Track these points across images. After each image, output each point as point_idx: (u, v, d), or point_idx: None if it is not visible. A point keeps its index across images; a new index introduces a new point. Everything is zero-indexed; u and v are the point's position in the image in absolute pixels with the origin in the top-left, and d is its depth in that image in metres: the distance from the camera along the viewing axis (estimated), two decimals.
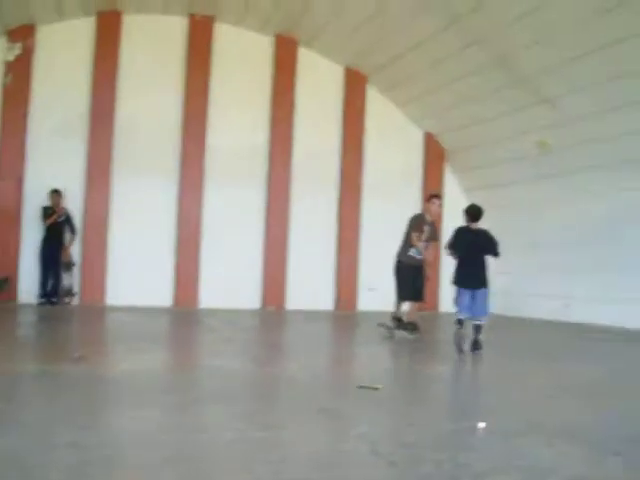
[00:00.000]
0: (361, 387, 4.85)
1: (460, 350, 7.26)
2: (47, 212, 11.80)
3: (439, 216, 8.89)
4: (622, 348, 8.94)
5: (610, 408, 4.68)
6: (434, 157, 14.22)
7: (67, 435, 3.44)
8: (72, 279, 12.15)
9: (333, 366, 6.70)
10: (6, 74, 11.90)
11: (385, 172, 13.65)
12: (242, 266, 12.96)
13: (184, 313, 11.65)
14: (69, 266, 12.06)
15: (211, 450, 3.31)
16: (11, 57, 11.93)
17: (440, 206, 8.99)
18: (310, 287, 13.20)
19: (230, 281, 12.71)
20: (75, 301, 12.17)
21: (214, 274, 12.72)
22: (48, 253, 11.82)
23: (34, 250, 11.89)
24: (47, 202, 11.86)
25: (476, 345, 7.25)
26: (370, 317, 10.17)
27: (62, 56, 12.16)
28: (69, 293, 12.07)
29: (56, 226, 11.86)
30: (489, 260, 7.64)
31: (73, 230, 12.08)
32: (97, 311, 11.35)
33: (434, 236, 8.90)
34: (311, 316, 11.74)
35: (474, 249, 7.53)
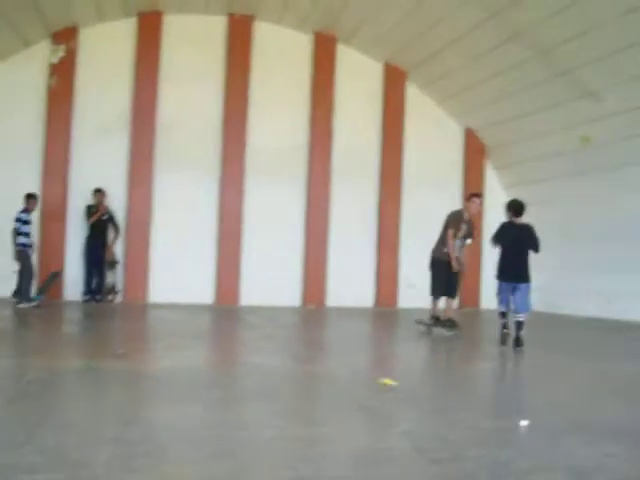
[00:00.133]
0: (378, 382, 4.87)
1: (503, 343, 7.44)
2: (90, 211, 12.03)
3: (479, 215, 8.89)
4: None
5: None
6: (474, 153, 14.07)
7: (112, 430, 3.50)
8: (115, 277, 12.36)
9: (373, 363, 6.67)
10: (51, 76, 12.17)
11: (425, 169, 13.57)
12: (282, 264, 13.02)
13: (225, 310, 11.75)
14: (113, 264, 12.27)
15: (252, 447, 3.33)
16: (55, 59, 12.20)
17: (480, 205, 8.98)
18: (350, 284, 13.19)
19: (270, 279, 12.78)
20: (118, 298, 12.38)
21: (255, 272, 12.81)
22: (92, 251, 12.06)
23: (79, 248, 12.13)
24: (91, 201, 12.08)
25: (518, 342, 7.27)
26: (410, 314, 10.11)
27: (104, 57, 12.38)
28: (112, 291, 12.28)
29: (100, 225, 12.08)
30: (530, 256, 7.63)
31: (116, 228, 12.29)
32: (139, 308, 11.53)
33: (471, 234, 8.92)
34: (351, 313, 11.73)
35: (517, 244, 7.56)
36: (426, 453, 3.23)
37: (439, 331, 8.70)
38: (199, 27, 12.83)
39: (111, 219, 12.22)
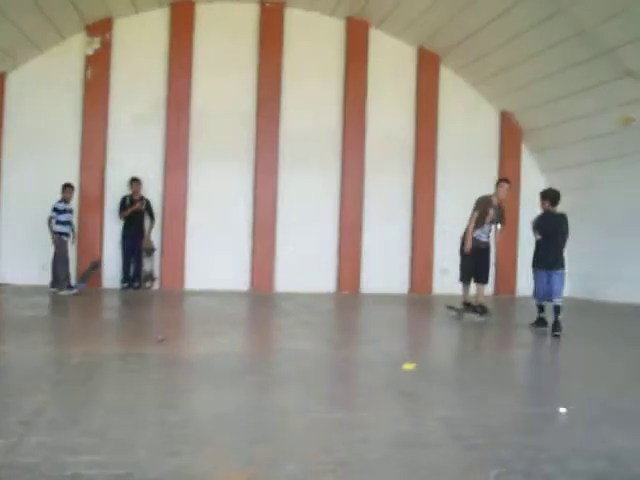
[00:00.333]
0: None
1: (539, 327, 7.67)
2: (125, 203, 12.20)
3: (509, 200, 8.98)
4: None
5: None
6: (510, 137, 13.87)
7: (153, 414, 3.58)
8: (153, 264, 12.53)
9: (409, 349, 6.66)
10: (86, 68, 12.32)
11: (460, 153, 13.43)
12: (317, 250, 13.05)
13: (260, 297, 11.84)
14: (150, 252, 12.44)
15: (291, 431, 3.36)
16: (91, 51, 12.35)
17: (508, 189, 8.97)
18: (384, 270, 13.17)
19: (305, 265, 12.82)
20: (156, 286, 12.56)
21: (289, 258, 12.86)
22: (129, 240, 12.24)
23: (116, 237, 12.33)
24: (127, 190, 12.24)
25: (557, 326, 7.31)
26: (444, 300, 10.06)
27: (138, 48, 12.48)
28: (150, 278, 12.46)
29: (136, 214, 12.24)
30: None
31: (152, 217, 12.44)
32: (176, 295, 11.67)
33: (501, 219, 8.94)
34: (385, 300, 11.72)
35: (555, 233, 7.74)
36: (463, 439, 3.23)
37: (470, 317, 8.72)
38: (231, 15, 12.84)
39: (148, 208, 12.37)
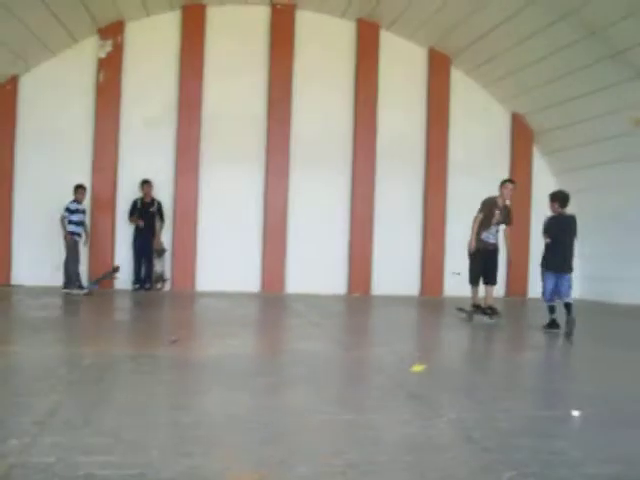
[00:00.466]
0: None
1: (552, 329, 7.66)
2: (135, 206, 12.26)
3: (509, 199, 9.04)
4: None
5: None
6: (522, 138, 13.82)
7: (165, 415, 3.59)
8: (164, 265, 12.58)
9: (419, 351, 6.65)
10: (99, 71, 12.40)
11: (471, 154, 13.40)
12: (328, 251, 13.05)
13: (271, 298, 11.85)
14: (160, 253, 12.49)
15: (302, 433, 3.37)
16: (103, 54, 12.43)
17: (512, 190, 8.98)
18: (395, 272, 13.15)
19: (316, 267, 12.83)
20: (167, 287, 12.61)
21: (300, 260, 12.88)
22: (140, 241, 12.30)
23: (128, 238, 12.39)
24: (139, 192, 12.30)
25: (571, 323, 7.43)
26: (455, 303, 10.04)
27: (150, 50, 12.57)
28: (161, 279, 12.52)
29: (147, 215, 12.29)
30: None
31: (162, 218, 12.48)
32: (188, 296, 11.71)
33: (507, 220, 8.96)
34: (396, 302, 11.71)
35: (566, 235, 7.82)
36: (476, 441, 3.22)
37: (480, 319, 8.71)
38: (242, 18, 12.89)
39: (159, 210, 12.42)
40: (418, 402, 4.13)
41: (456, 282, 12.69)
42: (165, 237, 12.61)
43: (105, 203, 12.38)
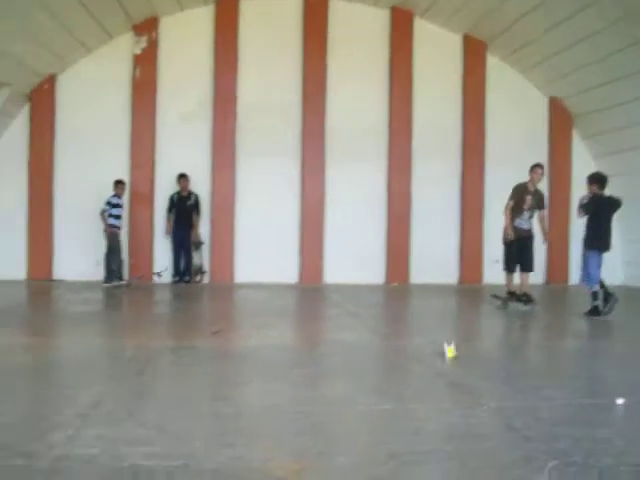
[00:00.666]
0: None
1: (596, 314, 7.65)
2: (173, 201, 12.38)
3: (538, 183, 9.00)
4: None
5: None
6: (560, 123, 13.53)
7: (207, 406, 3.64)
8: (202, 258, 12.71)
9: (458, 341, 6.61)
10: (134, 67, 12.54)
11: (509, 141, 13.17)
12: (366, 241, 13.00)
13: (309, 289, 11.89)
14: (198, 245, 12.61)
15: (343, 423, 3.38)
16: (138, 50, 12.55)
17: (542, 174, 9.02)
18: (433, 261, 13.03)
19: (354, 257, 12.80)
20: (205, 279, 12.73)
21: (338, 250, 12.85)
22: (179, 234, 12.43)
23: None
24: (176, 186, 12.43)
25: (610, 298, 7.60)
26: (494, 290, 9.92)
27: (184, 45, 12.63)
28: (200, 271, 12.64)
29: (185, 209, 12.42)
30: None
31: (198, 212, 12.59)
32: (226, 288, 11.81)
33: (540, 205, 8.92)
34: (434, 290, 11.64)
35: (608, 215, 7.92)
36: (517, 430, 3.19)
37: (515, 306, 8.62)
38: (274, 10, 12.87)
39: (196, 203, 12.53)
40: (458, 391, 4.11)
41: (496, 270, 12.58)
42: (202, 230, 12.72)
43: (143, 198, 12.53)
